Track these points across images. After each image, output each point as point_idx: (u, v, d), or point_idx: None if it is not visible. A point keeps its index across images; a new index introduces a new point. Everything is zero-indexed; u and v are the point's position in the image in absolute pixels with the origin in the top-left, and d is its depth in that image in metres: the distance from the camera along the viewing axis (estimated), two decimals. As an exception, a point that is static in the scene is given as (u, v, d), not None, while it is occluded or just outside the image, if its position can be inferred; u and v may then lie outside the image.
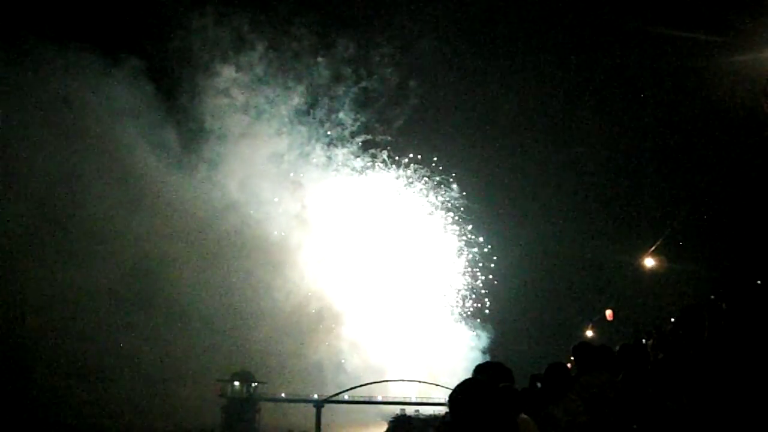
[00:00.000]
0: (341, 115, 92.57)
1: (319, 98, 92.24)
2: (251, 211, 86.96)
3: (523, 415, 3.84)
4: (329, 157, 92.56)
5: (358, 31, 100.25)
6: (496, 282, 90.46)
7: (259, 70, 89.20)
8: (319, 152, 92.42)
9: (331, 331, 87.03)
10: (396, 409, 72.85)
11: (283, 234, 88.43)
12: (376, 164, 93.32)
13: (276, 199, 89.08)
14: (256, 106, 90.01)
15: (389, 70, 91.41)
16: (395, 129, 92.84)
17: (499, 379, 4.08)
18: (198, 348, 74.43)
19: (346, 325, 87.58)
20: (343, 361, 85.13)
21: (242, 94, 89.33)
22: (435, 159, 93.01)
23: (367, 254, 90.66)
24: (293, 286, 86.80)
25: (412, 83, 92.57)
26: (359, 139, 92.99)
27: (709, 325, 4.91)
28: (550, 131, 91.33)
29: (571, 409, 5.10)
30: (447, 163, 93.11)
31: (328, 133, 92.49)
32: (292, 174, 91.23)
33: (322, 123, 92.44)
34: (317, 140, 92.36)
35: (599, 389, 5.66)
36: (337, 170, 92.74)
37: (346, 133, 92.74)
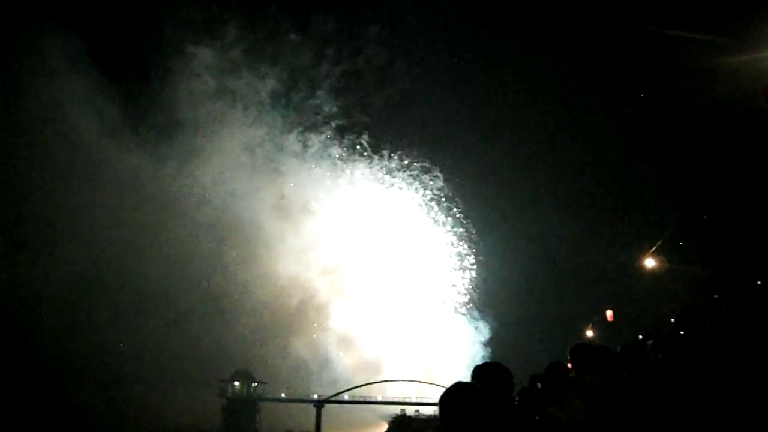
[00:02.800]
0: (322, 100, 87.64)
1: (299, 82, 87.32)
2: (227, 203, 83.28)
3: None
4: (309, 145, 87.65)
5: (340, 7, 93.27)
6: (490, 279, 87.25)
7: (233, 52, 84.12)
8: (297, 139, 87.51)
9: (317, 324, 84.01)
10: (396, 409, 72.81)
11: (261, 225, 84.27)
12: (359, 151, 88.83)
13: (253, 189, 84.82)
14: (231, 92, 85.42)
15: (374, 49, 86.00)
16: (380, 114, 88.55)
17: (498, 380, 4.07)
18: (198, 348, 74.07)
19: (333, 319, 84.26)
20: (330, 357, 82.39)
21: (216, 79, 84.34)
22: (423, 147, 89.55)
23: (353, 245, 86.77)
24: (275, 279, 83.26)
25: (398, 65, 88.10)
26: (341, 126, 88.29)
27: (710, 325, 4.91)
28: (548, 130, 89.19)
29: (571, 409, 5.10)
30: (437, 153, 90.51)
31: (308, 119, 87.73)
32: (269, 163, 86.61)
33: (301, 108, 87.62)
34: (296, 127, 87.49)
35: (599, 389, 5.66)
36: (317, 158, 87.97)
37: (327, 119, 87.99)
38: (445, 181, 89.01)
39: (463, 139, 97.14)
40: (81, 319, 72.15)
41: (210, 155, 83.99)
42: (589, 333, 44.45)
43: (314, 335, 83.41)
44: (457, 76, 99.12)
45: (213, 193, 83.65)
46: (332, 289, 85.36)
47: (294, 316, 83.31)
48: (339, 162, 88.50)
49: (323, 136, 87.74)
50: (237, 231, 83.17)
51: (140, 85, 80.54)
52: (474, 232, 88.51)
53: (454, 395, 3.17)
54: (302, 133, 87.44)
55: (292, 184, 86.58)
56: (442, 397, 3.20)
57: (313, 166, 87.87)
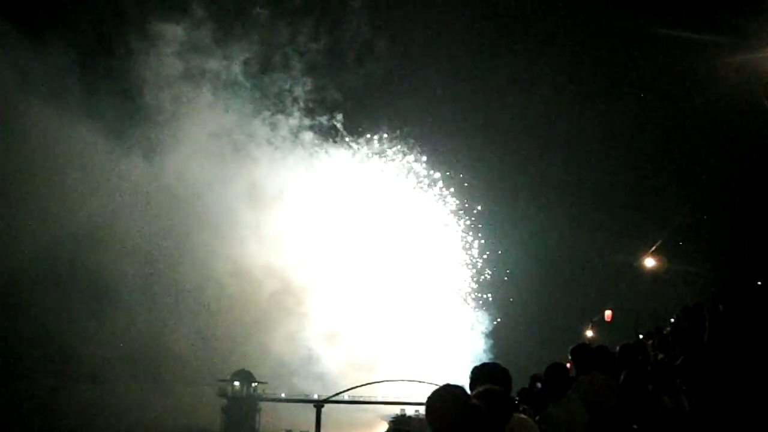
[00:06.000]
0: (295, 81, 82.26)
1: (271, 62, 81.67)
2: (196, 192, 78.18)
3: (521, 415, 3.82)
4: (282, 129, 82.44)
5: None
6: (488, 275, 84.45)
7: (201, 30, 78.47)
8: (270, 123, 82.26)
9: (300, 318, 79.77)
10: (396, 409, 72.82)
11: (232, 215, 79.74)
12: (335, 135, 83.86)
13: (222, 178, 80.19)
14: (199, 73, 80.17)
15: (354, 24, 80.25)
16: (360, 96, 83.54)
17: (496, 381, 4.06)
18: (198, 347, 73.95)
19: (317, 312, 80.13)
20: (315, 352, 78.97)
21: (183, 59, 78.63)
22: (407, 130, 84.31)
23: (335, 233, 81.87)
24: (250, 272, 78.70)
25: (381, 43, 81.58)
26: (316, 108, 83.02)
27: (710, 325, 4.91)
28: (544, 127, 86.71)
29: (571, 409, 5.10)
30: (424, 139, 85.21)
31: (281, 101, 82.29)
32: (239, 149, 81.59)
33: (273, 91, 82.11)
34: (268, 110, 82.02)
35: (599, 389, 5.67)
36: (290, 142, 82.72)
37: (301, 101, 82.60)
38: (432, 167, 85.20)
39: (454, 128, 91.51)
40: (54, 317, 69.15)
41: (176, 142, 79.16)
42: (589, 333, 44.45)
43: (303, 330, 79.90)
44: (455, 64, 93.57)
45: (180, 183, 78.60)
46: (317, 281, 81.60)
47: (272, 310, 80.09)
48: (315, 146, 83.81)
49: (297, 120, 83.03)
50: (207, 222, 79.01)
51: (102, 67, 76.08)
52: (466, 222, 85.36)
53: (440, 399, 3.17)
54: (273, 115, 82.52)
55: (264, 171, 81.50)
56: (428, 399, 3.20)
57: (287, 151, 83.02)
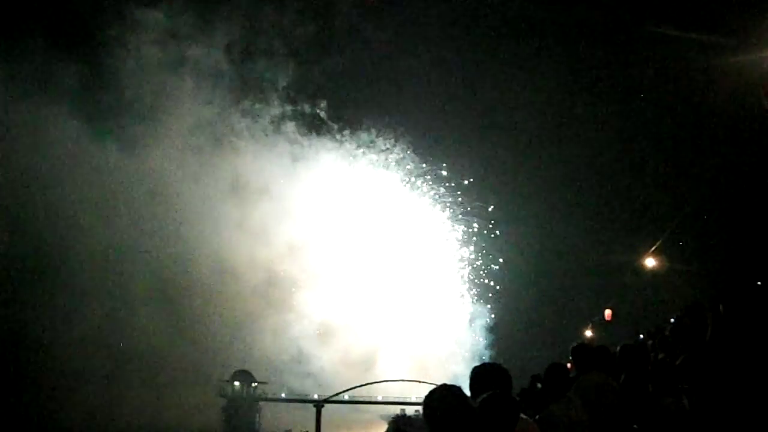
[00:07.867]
0: (280, 67, 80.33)
1: (256, 48, 79.88)
2: (177, 188, 76.24)
3: (522, 416, 3.82)
4: (266, 121, 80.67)
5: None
6: (488, 273, 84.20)
7: (183, 17, 76.32)
8: (254, 112, 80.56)
9: (293, 315, 78.16)
10: (396, 409, 72.79)
11: (216, 212, 77.97)
12: (325, 127, 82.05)
13: (205, 169, 78.60)
14: (181, 61, 77.70)
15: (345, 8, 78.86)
16: (347, 84, 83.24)
17: (497, 381, 4.06)
18: (198, 347, 73.83)
19: (310, 309, 78.69)
20: (307, 350, 77.65)
21: (164, 48, 76.21)
22: (398, 122, 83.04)
23: (327, 228, 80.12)
24: (237, 267, 76.86)
25: (370, 31, 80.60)
26: (301, 98, 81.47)
27: (711, 325, 4.91)
28: (544, 126, 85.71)
29: (571, 409, 5.10)
30: (418, 134, 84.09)
31: (265, 92, 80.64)
32: (221, 142, 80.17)
33: (255, 77, 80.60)
34: (250, 99, 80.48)
35: (599, 389, 5.67)
36: (275, 134, 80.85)
37: (285, 88, 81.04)
38: (425, 159, 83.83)
39: (446, 120, 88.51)
40: (89, 320, 69.72)
41: (155, 132, 76.87)
42: (589, 333, 44.47)
43: (295, 326, 78.42)
44: (440, 47, 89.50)
45: (160, 179, 76.74)
46: (308, 276, 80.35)
47: (263, 306, 78.69)
48: (300, 135, 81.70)
49: (280, 108, 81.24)
50: (189, 219, 76.92)
51: (79, 57, 73.02)
52: (464, 217, 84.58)
53: (437, 398, 3.19)
54: (255, 105, 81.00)
55: (247, 162, 79.77)
56: (425, 400, 3.21)
57: (270, 140, 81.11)
